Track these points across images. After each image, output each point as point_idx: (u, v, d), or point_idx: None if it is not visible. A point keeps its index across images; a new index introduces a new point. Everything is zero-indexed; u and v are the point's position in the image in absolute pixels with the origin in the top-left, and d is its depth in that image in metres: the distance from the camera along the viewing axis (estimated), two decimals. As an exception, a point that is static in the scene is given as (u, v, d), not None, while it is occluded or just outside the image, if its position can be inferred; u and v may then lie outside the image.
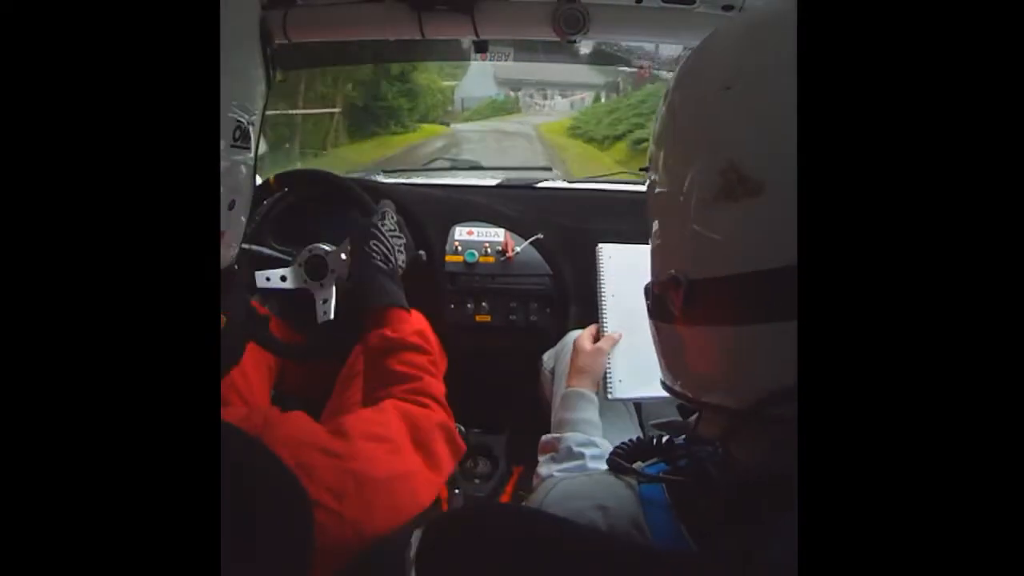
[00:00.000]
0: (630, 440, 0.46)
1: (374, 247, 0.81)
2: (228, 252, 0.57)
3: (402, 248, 0.84)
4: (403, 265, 0.84)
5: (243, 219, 0.59)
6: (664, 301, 0.40)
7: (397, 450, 0.60)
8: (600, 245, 0.88)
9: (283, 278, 0.95)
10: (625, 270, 0.86)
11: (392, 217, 0.86)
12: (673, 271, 0.38)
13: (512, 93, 5.99)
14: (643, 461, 0.44)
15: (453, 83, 5.11)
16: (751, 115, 0.33)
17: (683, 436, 0.43)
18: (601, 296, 0.86)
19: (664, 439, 0.44)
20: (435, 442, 0.64)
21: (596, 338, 0.84)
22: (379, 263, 0.80)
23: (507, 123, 5.88)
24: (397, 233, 0.85)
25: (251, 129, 0.54)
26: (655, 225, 0.41)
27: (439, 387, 0.71)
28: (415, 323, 0.76)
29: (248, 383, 0.89)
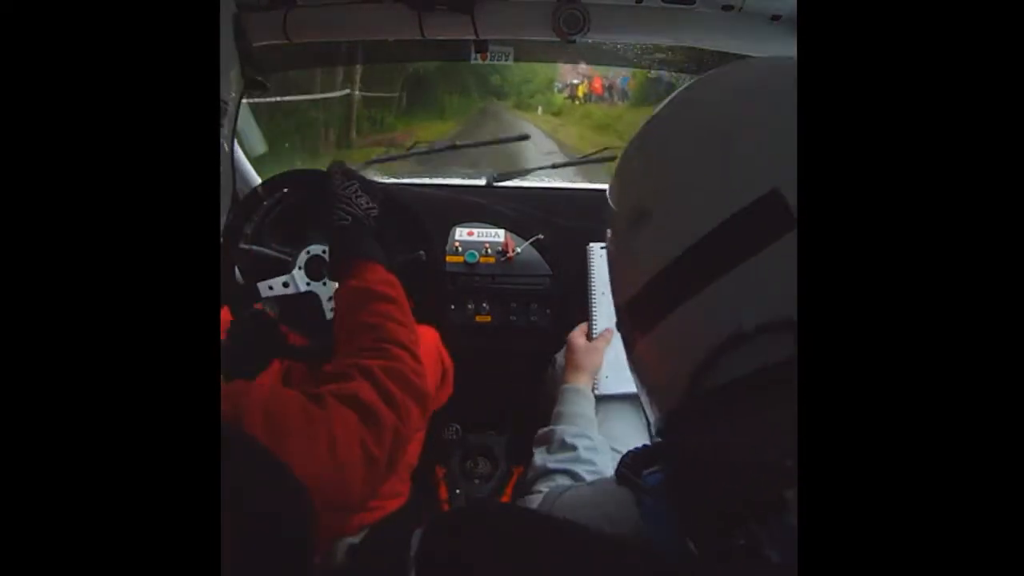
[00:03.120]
0: (641, 447, 0.46)
1: (337, 211, 0.79)
2: None
3: (369, 203, 0.81)
4: (372, 217, 0.81)
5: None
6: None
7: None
8: (591, 244, 0.90)
9: (285, 284, 0.94)
10: None
11: (349, 184, 0.83)
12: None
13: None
14: (646, 468, 0.44)
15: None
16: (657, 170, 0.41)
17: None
18: (591, 294, 0.87)
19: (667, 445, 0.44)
20: (400, 394, 0.64)
21: (588, 335, 0.86)
22: (342, 223, 0.78)
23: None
24: (358, 191, 0.82)
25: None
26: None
27: (407, 335, 0.70)
28: (382, 273, 0.75)
29: None
